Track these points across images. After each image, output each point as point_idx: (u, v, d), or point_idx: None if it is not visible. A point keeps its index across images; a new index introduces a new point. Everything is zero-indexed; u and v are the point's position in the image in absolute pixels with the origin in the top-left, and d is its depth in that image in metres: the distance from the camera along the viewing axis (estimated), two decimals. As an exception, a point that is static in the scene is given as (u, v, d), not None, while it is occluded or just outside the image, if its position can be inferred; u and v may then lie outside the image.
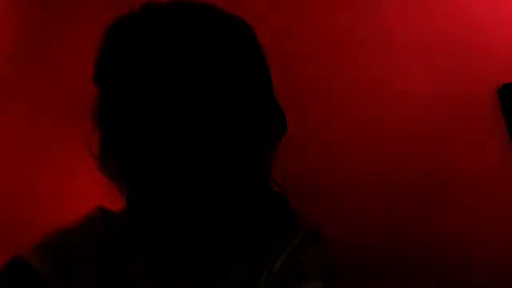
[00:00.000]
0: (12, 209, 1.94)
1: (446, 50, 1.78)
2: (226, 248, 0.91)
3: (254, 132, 0.88)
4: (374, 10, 1.83)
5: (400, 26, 1.80)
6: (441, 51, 1.78)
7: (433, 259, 1.72)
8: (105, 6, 1.78)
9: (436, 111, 1.77)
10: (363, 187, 1.78)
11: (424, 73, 1.78)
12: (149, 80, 0.84)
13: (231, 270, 0.90)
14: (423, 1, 1.81)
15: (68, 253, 0.92)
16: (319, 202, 1.72)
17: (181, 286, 0.89)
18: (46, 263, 0.90)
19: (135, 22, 0.88)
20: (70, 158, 1.81)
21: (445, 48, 1.78)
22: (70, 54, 1.98)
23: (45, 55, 2.03)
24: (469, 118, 1.75)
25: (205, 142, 0.84)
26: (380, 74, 1.80)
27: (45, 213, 1.88)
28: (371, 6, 1.83)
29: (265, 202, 0.94)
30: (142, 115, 0.84)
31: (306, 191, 1.63)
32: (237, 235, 0.91)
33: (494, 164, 1.73)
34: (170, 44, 0.84)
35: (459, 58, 1.76)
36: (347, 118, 1.81)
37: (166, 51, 0.84)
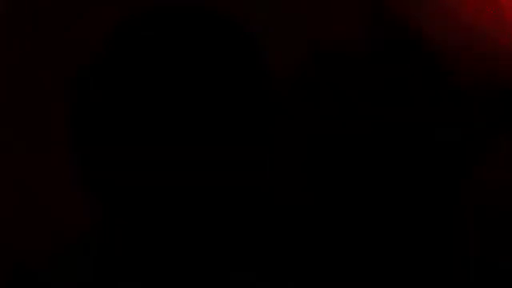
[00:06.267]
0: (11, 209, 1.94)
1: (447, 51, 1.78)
2: (223, 253, 0.91)
3: (240, 140, 0.89)
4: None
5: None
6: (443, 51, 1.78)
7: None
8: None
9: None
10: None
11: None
12: (145, 86, 0.85)
13: (229, 278, 0.91)
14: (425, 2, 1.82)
15: (66, 257, 0.93)
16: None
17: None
18: (45, 268, 0.91)
19: (135, 30, 0.89)
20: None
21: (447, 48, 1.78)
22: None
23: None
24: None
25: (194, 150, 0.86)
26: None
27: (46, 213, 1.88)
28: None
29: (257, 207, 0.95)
30: (133, 121, 0.86)
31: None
32: (231, 241, 0.92)
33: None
34: (169, 52, 0.86)
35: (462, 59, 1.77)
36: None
37: (164, 59, 0.86)
